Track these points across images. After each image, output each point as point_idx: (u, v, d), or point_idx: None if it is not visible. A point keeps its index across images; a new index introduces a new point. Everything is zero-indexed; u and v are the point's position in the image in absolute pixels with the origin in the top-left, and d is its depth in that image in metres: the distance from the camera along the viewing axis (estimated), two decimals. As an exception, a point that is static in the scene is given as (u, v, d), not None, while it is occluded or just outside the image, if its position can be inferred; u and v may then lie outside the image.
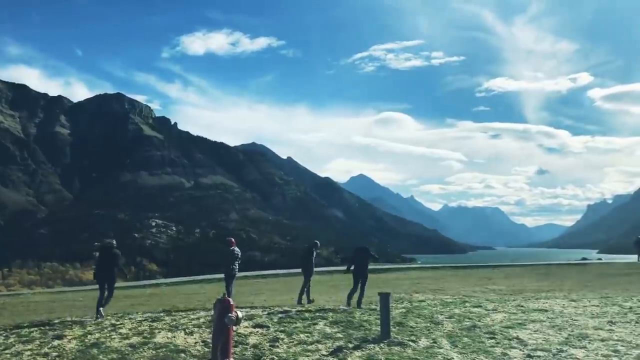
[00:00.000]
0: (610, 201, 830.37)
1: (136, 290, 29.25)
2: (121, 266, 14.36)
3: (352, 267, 15.33)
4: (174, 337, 10.44)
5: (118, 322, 12.24)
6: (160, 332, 10.91)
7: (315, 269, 17.60)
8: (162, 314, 13.64)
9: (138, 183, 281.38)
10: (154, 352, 9.30)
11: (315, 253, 17.15)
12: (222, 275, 18.58)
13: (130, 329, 11.30)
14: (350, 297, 14.85)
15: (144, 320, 12.46)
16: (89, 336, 10.67)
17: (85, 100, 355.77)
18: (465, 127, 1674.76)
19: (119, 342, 10.07)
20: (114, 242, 14.23)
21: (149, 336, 10.47)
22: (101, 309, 13.37)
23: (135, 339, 10.23)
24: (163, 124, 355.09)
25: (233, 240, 16.21)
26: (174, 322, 12.03)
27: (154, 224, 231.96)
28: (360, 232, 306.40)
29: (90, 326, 11.81)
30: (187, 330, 11.02)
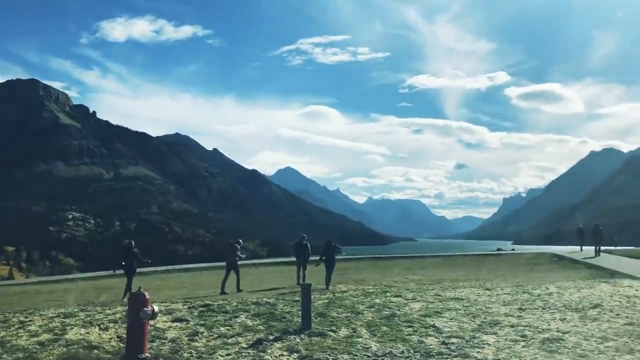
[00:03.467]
0: (524, 194, 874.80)
1: (50, 286, 27.89)
2: (140, 259, 18.47)
3: (324, 258, 19.43)
4: (88, 333, 10.03)
5: (27, 319, 11.60)
6: (72, 328, 10.44)
7: (243, 262, 20.02)
8: (76, 310, 13.07)
9: (53, 174, 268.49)
10: (64, 349, 8.87)
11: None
12: (142, 270, 21.03)
13: (40, 326, 10.74)
14: (327, 281, 18.68)
15: (56, 317, 11.89)
16: (-7, 335, 10.04)
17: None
18: (389, 122, 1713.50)
19: (27, 340, 9.54)
20: (133, 242, 18.95)
21: (60, 333, 9.99)
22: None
23: (44, 337, 9.72)
24: (81, 112, 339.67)
25: (241, 241, 20.16)
26: (89, 318, 11.56)
27: (70, 216, 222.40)
28: (287, 225, 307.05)
29: (-4, 324, 11.13)
30: (102, 326, 10.61)
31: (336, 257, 20.42)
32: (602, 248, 33.05)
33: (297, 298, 13.56)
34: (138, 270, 21.64)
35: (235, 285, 18.57)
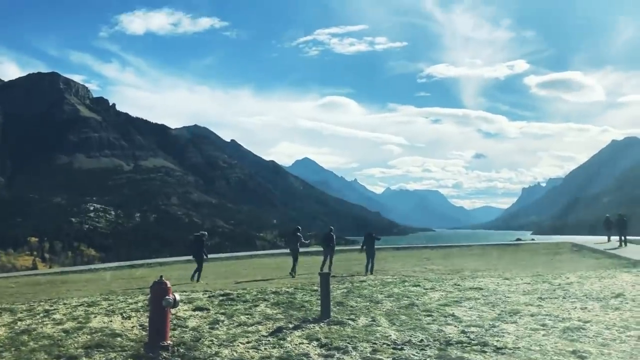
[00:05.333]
0: (543, 184, 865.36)
1: (73, 276, 28.39)
2: (204, 250, 20.44)
3: (364, 247, 21.13)
4: (111, 321, 10.19)
5: (52, 308, 11.83)
6: (96, 316, 10.62)
7: (258, 252, 21.15)
8: (99, 299, 13.29)
9: (74, 166, 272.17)
10: (88, 337, 9.03)
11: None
12: (163, 260, 21.84)
13: (64, 315, 10.94)
14: (366, 268, 20.37)
15: (80, 306, 12.10)
16: (19, 323, 10.26)
17: (17, 79, 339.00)
18: (407, 112, 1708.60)
19: (52, 327, 9.73)
20: (205, 234, 21.08)
21: (84, 321, 10.17)
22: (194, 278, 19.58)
23: (69, 325, 9.91)
24: (101, 104, 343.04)
25: (300, 228, 21.96)
26: (111, 307, 11.75)
27: (92, 208, 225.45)
28: (306, 216, 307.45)
29: (21, 312, 11.38)
30: (124, 315, 10.77)
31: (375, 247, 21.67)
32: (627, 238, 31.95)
33: (315, 287, 13.63)
34: (159, 260, 22.39)
35: (291, 269, 20.15)
